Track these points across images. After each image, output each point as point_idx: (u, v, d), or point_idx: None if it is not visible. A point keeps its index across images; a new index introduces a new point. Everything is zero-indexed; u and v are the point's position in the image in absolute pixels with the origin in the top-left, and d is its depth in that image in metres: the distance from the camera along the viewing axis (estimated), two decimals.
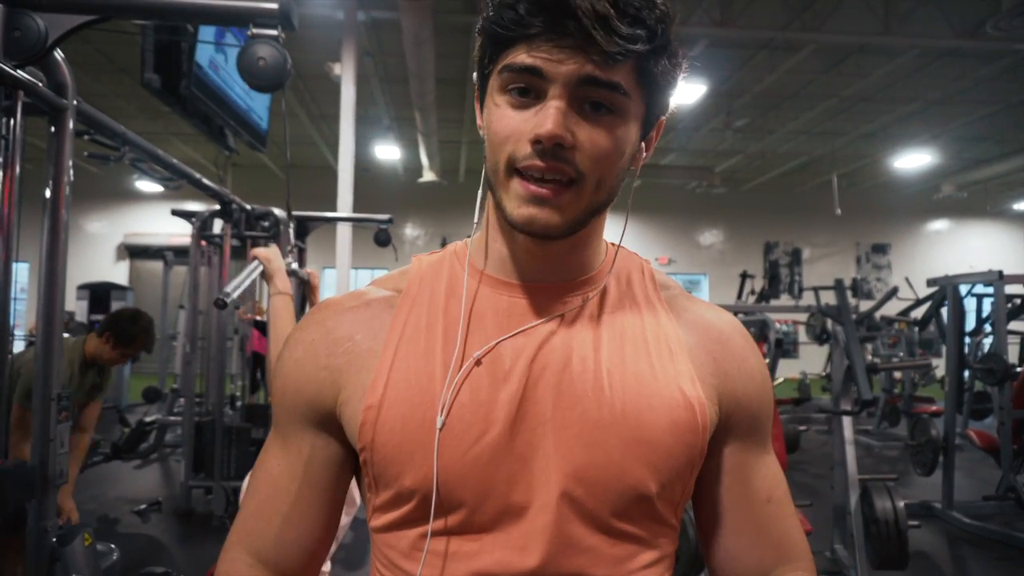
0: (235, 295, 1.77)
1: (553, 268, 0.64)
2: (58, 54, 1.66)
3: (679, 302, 0.69)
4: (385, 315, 0.65)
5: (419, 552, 0.60)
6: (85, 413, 2.86)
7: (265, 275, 1.79)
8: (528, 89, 0.57)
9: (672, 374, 0.62)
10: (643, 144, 0.63)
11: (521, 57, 0.56)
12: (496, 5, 0.57)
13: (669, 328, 0.65)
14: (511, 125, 0.57)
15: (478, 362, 0.61)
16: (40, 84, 1.63)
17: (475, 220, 0.68)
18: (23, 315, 10.77)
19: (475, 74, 0.64)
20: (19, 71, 1.51)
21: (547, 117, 0.55)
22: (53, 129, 1.71)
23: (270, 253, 1.81)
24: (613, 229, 0.72)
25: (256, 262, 1.83)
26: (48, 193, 1.70)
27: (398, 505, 0.61)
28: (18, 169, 1.66)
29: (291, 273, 1.89)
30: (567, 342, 0.62)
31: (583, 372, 0.60)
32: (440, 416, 0.58)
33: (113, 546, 2.11)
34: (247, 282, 1.82)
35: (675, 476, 0.61)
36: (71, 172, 1.73)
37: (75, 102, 1.74)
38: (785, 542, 0.67)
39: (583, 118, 0.57)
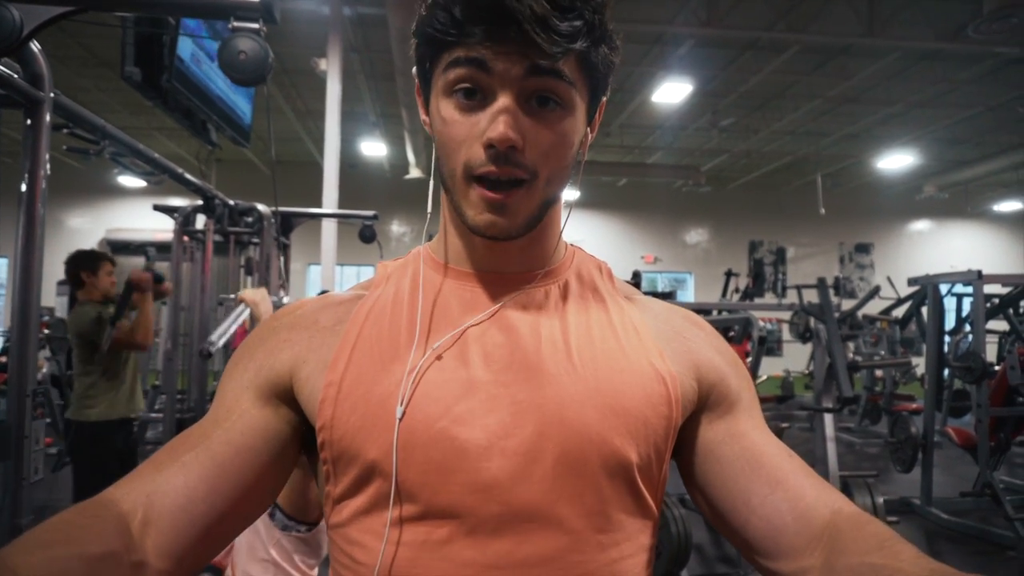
0: (220, 343, 1.75)
1: (514, 260, 0.65)
2: (34, 46, 1.63)
3: (638, 297, 0.71)
4: (351, 305, 0.66)
5: (382, 542, 0.56)
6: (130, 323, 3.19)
7: (253, 319, 1.72)
8: (474, 90, 0.57)
9: (641, 351, 0.63)
10: (588, 128, 0.64)
11: (462, 52, 0.56)
12: (429, 6, 0.57)
13: (632, 313, 0.67)
14: (462, 130, 0.57)
15: (439, 356, 0.60)
16: (16, 76, 1.60)
17: (428, 210, 0.68)
18: (1, 310, 10.62)
19: (414, 68, 0.64)
20: None
21: (499, 121, 0.55)
22: (29, 122, 1.68)
23: (256, 296, 1.73)
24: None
25: (243, 306, 1.77)
26: (24, 187, 1.67)
27: (361, 487, 0.58)
28: None
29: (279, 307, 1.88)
30: (534, 328, 0.62)
31: (554, 353, 0.60)
32: (400, 407, 0.56)
33: None
34: (233, 328, 1.78)
35: (652, 448, 0.60)
36: (48, 166, 1.71)
37: (52, 95, 1.72)
38: (827, 486, 0.59)
39: (531, 115, 0.57)
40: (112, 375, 3.14)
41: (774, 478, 0.59)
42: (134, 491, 0.54)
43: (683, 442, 0.65)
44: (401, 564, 0.56)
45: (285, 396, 0.62)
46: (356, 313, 0.64)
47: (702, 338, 0.67)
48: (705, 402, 0.64)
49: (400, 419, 0.56)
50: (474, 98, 0.57)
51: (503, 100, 0.56)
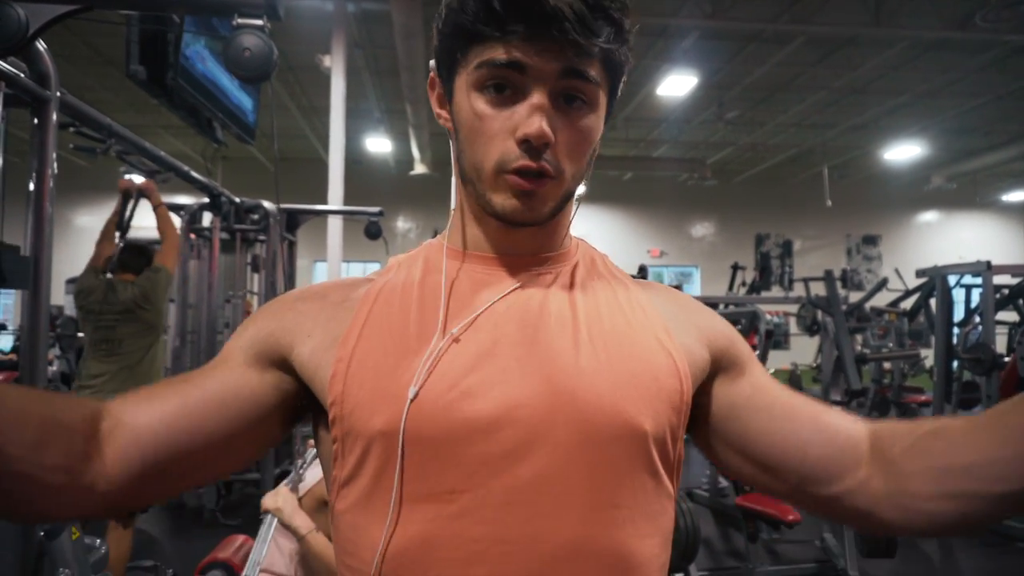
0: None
1: (527, 244, 0.66)
2: (40, 45, 1.64)
3: (638, 281, 0.73)
4: (361, 286, 0.67)
5: (386, 521, 0.56)
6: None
7: (284, 525, 1.55)
8: (505, 86, 0.58)
9: (647, 326, 0.64)
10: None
11: (499, 54, 0.56)
12: None
13: (638, 293, 0.68)
14: (494, 125, 0.58)
15: (456, 339, 0.60)
16: (22, 75, 1.61)
17: (452, 207, 0.70)
18: (11, 308, 10.68)
19: (432, 61, 0.64)
20: (0, 62, 1.49)
21: (534, 118, 0.56)
22: (36, 121, 1.69)
23: (278, 501, 1.56)
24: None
25: (269, 516, 1.63)
26: (32, 186, 1.68)
27: (367, 463, 0.57)
28: (1, 161, 1.64)
29: None
30: (544, 304, 0.63)
31: (562, 328, 0.61)
32: (413, 387, 0.56)
33: (99, 541, 2.10)
34: (266, 545, 1.63)
35: (665, 420, 0.60)
36: (55, 164, 1.72)
37: (58, 93, 1.72)
38: (847, 418, 0.65)
39: (559, 112, 0.58)
40: (135, 362, 3.13)
41: (812, 414, 0.64)
42: (112, 404, 0.59)
43: (703, 410, 0.66)
44: (410, 542, 0.55)
45: (278, 361, 0.63)
46: (366, 294, 0.65)
47: (701, 311, 0.70)
48: (719, 366, 0.66)
49: (413, 399, 0.56)
50: (504, 92, 0.58)
51: (537, 97, 0.57)
